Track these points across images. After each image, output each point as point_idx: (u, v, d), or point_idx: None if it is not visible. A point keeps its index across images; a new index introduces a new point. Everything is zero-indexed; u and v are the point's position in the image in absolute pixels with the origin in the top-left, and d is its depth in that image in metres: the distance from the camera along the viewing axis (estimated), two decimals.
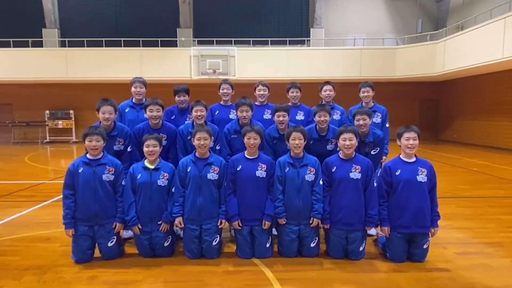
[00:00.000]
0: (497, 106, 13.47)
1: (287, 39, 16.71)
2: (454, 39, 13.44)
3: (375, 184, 3.49)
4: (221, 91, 4.49)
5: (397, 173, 3.42)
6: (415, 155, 3.49)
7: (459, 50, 13.01)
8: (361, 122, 3.85)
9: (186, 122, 4.22)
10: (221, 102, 4.52)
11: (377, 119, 4.44)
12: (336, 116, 4.43)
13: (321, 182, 3.53)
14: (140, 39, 15.69)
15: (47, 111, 17.13)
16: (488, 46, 11.42)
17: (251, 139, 3.52)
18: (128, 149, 3.95)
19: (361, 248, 3.51)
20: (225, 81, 4.54)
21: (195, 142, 3.50)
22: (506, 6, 11.53)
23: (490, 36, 11.35)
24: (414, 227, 3.39)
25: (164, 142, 3.84)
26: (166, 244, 3.55)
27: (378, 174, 3.71)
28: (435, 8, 17.85)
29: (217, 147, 4.00)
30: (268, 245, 3.58)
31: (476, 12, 13.52)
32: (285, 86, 4.59)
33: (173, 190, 3.54)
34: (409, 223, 3.39)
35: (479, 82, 14.32)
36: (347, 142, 3.46)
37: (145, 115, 4.01)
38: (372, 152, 3.90)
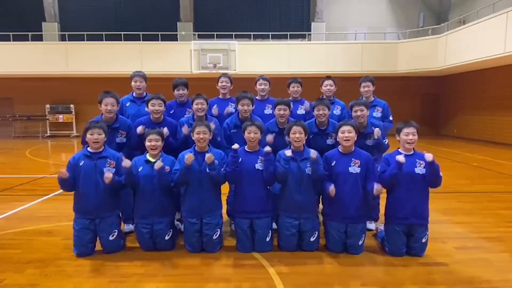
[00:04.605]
0: (498, 101, 13.43)
1: (288, 33, 16.60)
2: (456, 33, 13.37)
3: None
4: (219, 84, 4.49)
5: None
6: (413, 149, 3.51)
7: (461, 45, 12.94)
8: (358, 113, 3.85)
9: (185, 115, 4.22)
10: (219, 96, 4.52)
11: (377, 113, 4.43)
12: (336, 111, 4.42)
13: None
14: (141, 33, 15.61)
15: (48, 105, 17.12)
16: (490, 40, 11.36)
17: (252, 133, 3.52)
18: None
19: (360, 242, 3.52)
20: (224, 75, 4.54)
21: (195, 136, 3.50)
22: (509, 0, 11.44)
23: (492, 31, 11.28)
24: (412, 218, 3.42)
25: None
26: (167, 237, 3.57)
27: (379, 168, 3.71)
28: (437, 2, 17.72)
29: (218, 139, 4.00)
30: (268, 239, 3.60)
31: (478, 6, 13.41)
32: (286, 80, 4.58)
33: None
34: (407, 215, 3.41)
35: (480, 77, 14.26)
36: (346, 134, 3.47)
37: (146, 109, 4.02)
38: (371, 143, 3.90)
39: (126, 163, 3.36)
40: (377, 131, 3.80)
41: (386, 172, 3.44)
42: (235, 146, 3.51)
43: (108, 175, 3.35)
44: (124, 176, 3.44)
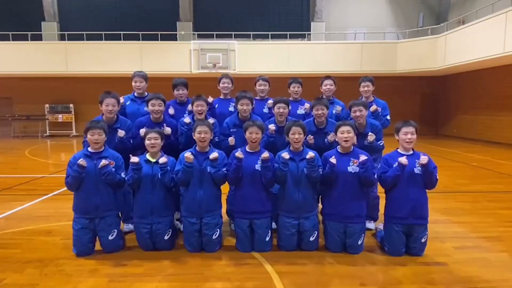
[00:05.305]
0: (498, 101, 13.45)
1: (288, 33, 16.60)
2: (455, 33, 13.37)
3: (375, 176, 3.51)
4: (221, 85, 4.49)
5: (394, 165, 3.43)
6: (412, 149, 3.52)
7: (460, 45, 12.95)
8: (357, 113, 3.87)
9: (185, 115, 4.22)
10: (221, 96, 4.53)
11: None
12: (337, 110, 4.41)
13: (320, 171, 3.53)
14: (140, 32, 15.60)
15: (47, 105, 17.11)
16: (489, 40, 11.37)
17: (253, 134, 3.52)
18: (131, 141, 3.96)
19: (359, 242, 3.53)
20: (226, 75, 4.54)
21: (196, 136, 3.51)
22: (508, 0, 11.46)
23: (491, 31, 11.29)
24: (412, 218, 3.42)
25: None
26: (166, 237, 3.57)
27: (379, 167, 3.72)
28: (436, 1, 17.73)
29: (216, 139, 4.00)
30: (267, 239, 3.60)
31: (477, 6, 13.42)
32: (285, 80, 4.58)
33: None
34: (407, 215, 3.42)
35: (479, 77, 14.28)
36: (345, 135, 3.48)
37: (145, 109, 4.02)
38: (369, 142, 3.90)
39: (134, 159, 3.44)
40: (370, 136, 3.84)
41: (388, 174, 3.45)
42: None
43: (103, 162, 3.38)
44: (131, 173, 3.45)
